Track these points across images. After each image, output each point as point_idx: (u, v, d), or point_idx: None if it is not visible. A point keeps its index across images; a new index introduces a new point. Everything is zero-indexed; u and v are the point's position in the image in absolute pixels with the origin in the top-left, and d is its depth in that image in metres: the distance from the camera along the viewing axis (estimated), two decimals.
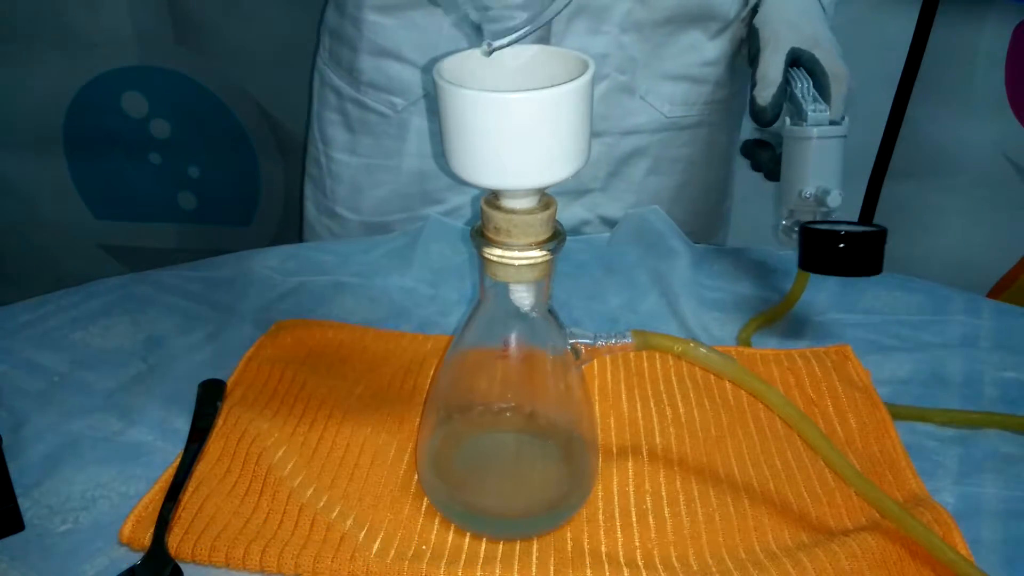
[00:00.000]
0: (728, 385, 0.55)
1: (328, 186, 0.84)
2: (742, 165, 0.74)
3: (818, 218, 0.57)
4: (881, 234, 0.51)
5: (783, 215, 0.60)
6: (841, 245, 0.51)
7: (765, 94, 0.62)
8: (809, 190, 0.57)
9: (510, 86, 0.35)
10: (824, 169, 0.58)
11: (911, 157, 1.23)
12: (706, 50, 0.75)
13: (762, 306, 0.66)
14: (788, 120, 0.60)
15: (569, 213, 0.81)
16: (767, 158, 0.65)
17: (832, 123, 0.58)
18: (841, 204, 0.57)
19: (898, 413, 0.53)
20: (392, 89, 0.77)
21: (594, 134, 0.80)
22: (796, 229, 0.55)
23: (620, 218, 0.79)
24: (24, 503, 0.44)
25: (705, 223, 0.86)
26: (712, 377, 0.56)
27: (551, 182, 0.37)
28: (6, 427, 0.50)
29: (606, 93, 0.74)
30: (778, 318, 0.65)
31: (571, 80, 0.35)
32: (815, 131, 0.57)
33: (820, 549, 0.41)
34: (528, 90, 0.34)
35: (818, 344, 0.61)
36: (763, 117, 0.62)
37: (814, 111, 0.58)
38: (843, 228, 0.52)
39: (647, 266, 0.72)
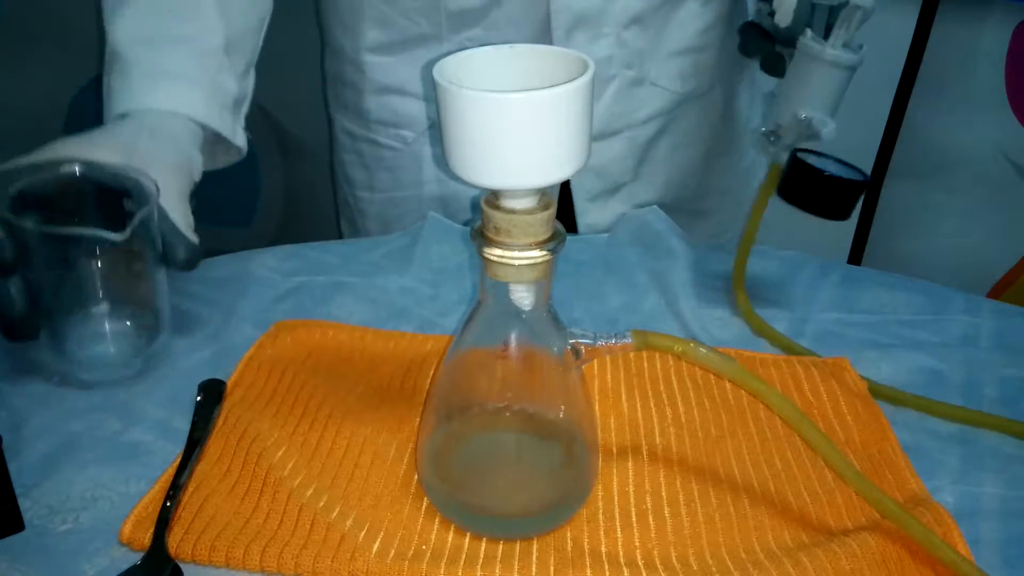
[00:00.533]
0: (728, 385, 0.55)
1: (359, 222, 0.88)
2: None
3: (803, 143, 0.57)
4: (862, 185, 0.52)
5: (768, 125, 0.59)
6: (823, 187, 0.52)
7: (785, 10, 0.59)
8: (806, 113, 0.56)
9: (510, 86, 0.35)
10: (827, 96, 0.56)
11: (911, 157, 1.23)
12: (705, 15, 0.75)
13: (763, 305, 0.66)
14: (809, 32, 0.57)
15: (608, 211, 0.82)
16: (763, 53, 0.63)
17: (847, 50, 0.56)
18: (834, 138, 0.56)
19: (897, 398, 0.54)
20: (400, 123, 0.79)
21: (614, 132, 0.78)
22: (773, 140, 0.55)
23: (659, 201, 0.80)
24: (24, 503, 0.44)
25: (739, 178, 0.87)
26: (712, 377, 0.56)
27: (551, 182, 0.37)
28: (6, 427, 0.50)
29: (617, 91, 0.75)
30: (747, 251, 0.65)
31: (571, 80, 0.35)
32: (830, 54, 0.55)
33: (820, 549, 0.41)
34: (528, 90, 0.34)
35: (818, 344, 0.61)
36: (785, 35, 0.60)
37: (836, 36, 0.56)
38: (831, 166, 0.52)
39: (647, 266, 0.72)
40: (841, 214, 0.53)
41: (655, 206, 0.77)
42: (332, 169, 0.91)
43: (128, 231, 0.47)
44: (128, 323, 0.57)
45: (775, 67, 0.62)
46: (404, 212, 0.83)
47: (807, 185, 0.53)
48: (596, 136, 0.79)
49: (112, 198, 0.52)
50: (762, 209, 0.64)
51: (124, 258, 0.52)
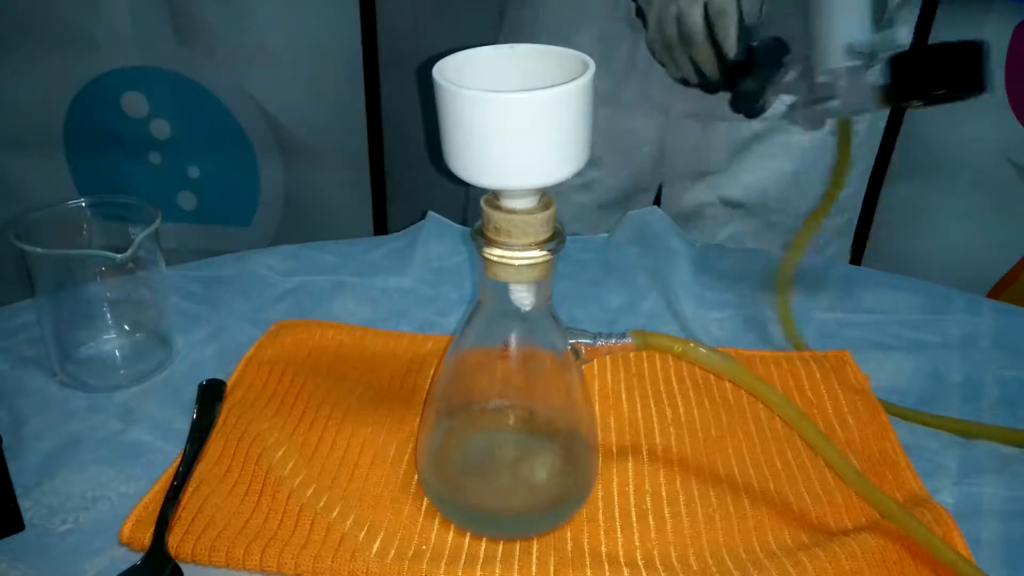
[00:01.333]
0: (728, 385, 0.55)
1: None
2: None
3: (845, 86, 0.53)
4: (979, 45, 0.46)
5: (807, 91, 0.56)
6: (946, 56, 0.46)
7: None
8: (861, 36, 0.51)
9: (510, 86, 0.35)
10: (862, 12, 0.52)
11: (911, 157, 1.22)
12: None
13: (761, 307, 0.66)
14: None
15: (691, 196, 0.82)
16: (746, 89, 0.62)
17: None
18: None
19: (896, 413, 0.53)
20: None
21: (719, 117, 0.79)
22: (814, 104, 0.53)
23: (742, 199, 0.81)
24: (24, 503, 0.44)
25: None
26: (712, 377, 0.56)
27: (551, 182, 0.37)
28: (6, 427, 0.50)
29: None
30: (824, 213, 0.63)
31: (571, 80, 0.35)
32: None
33: (820, 549, 0.41)
34: (528, 90, 0.34)
35: (818, 345, 0.61)
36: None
37: None
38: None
39: (647, 266, 0.72)
40: (978, 82, 0.47)
41: (655, 206, 0.77)
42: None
43: (130, 252, 0.50)
44: (137, 336, 0.59)
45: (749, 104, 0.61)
46: None
47: (929, 65, 0.48)
48: (700, 115, 0.79)
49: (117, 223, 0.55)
50: (835, 196, 0.62)
51: (130, 278, 0.56)
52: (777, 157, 0.81)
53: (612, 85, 0.80)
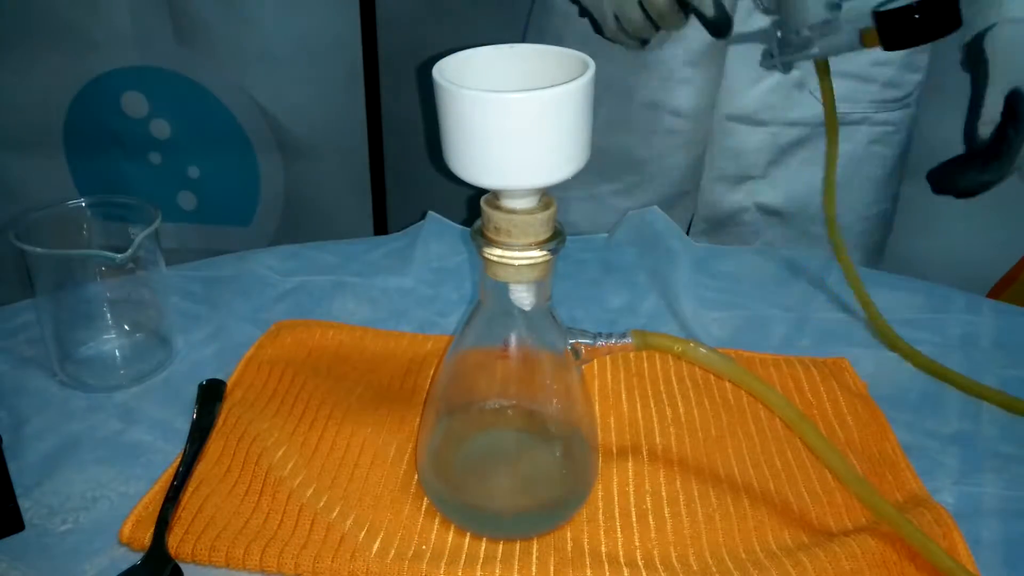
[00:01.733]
0: (728, 385, 0.55)
1: None
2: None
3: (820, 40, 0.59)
4: None
5: (777, 44, 0.62)
6: (917, 15, 0.53)
7: (986, 129, 0.62)
8: None
9: (510, 86, 0.35)
10: None
11: (911, 157, 1.23)
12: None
13: (762, 307, 0.66)
14: None
15: (728, 200, 0.82)
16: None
17: None
18: None
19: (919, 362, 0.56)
20: None
21: (759, 123, 0.80)
22: (785, 55, 0.59)
23: (778, 207, 0.81)
24: (24, 503, 0.44)
25: (859, 223, 0.86)
26: (712, 377, 0.56)
27: (551, 182, 0.37)
28: (6, 427, 0.50)
29: (776, 85, 0.77)
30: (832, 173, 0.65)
31: (571, 80, 0.35)
32: None
33: (820, 549, 0.41)
34: (528, 90, 0.34)
35: (818, 345, 0.61)
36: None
37: None
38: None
39: (647, 266, 0.72)
40: (956, 21, 0.54)
41: (655, 206, 0.77)
42: None
43: (130, 252, 0.50)
44: (137, 336, 0.59)
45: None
46: None
47: (908, 20, 0.54)
48: (742, 119, 0.80)
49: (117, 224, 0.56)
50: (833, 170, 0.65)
51: (130, 278, 0.56)
52: (818, 163, 0.80)
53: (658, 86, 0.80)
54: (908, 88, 0.81)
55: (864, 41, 0.58)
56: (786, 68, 0.66)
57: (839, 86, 0.74)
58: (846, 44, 0.59)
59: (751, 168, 0.82)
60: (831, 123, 0.64)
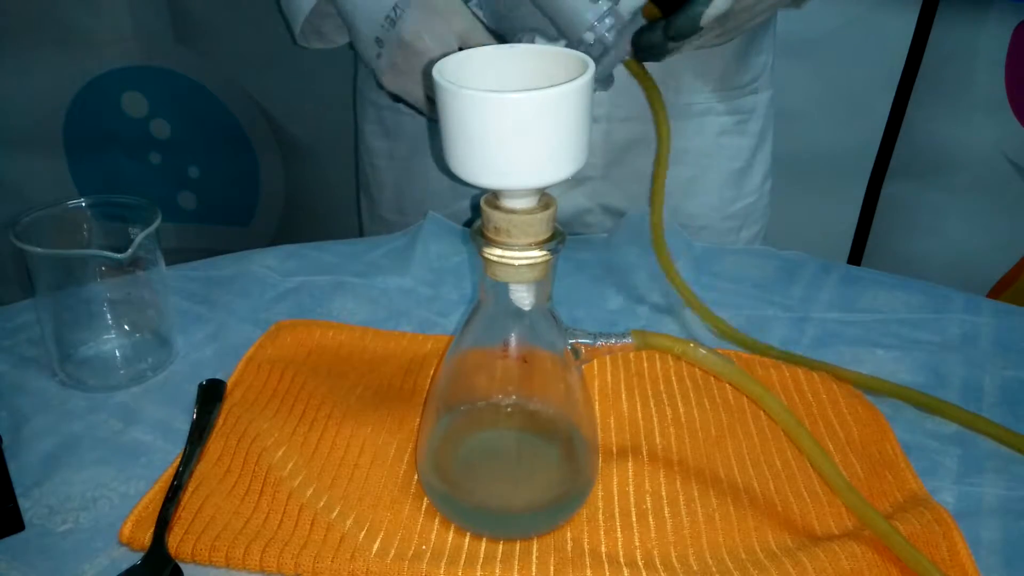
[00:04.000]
0: (728, 385, 0.55)
1: (375, 194, 0.89)
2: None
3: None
4: None
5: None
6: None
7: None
8: None
9: (510, 86, 0.35)
10: None
11: (911, 157, 1.22)
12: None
13: (762, 307, 0.66)
14: None
15: (569, 202, 0.80)
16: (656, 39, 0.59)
17: None
18: None
19: (902, 395, 0.54)
20: None
21: (592, 119, 0.80)
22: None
23: (624, 208, 0.78)
24: (24, 503, 0.44)
25: (724, 221, 0.83)
26: (712, 377, 0.56)
27: (551, 182, 0.37)
28: (6, 427, 0.50)
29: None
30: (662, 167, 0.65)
31: (570, 80, 0.35)
32: None
33: (820, 549, 0.41)
34: (528, 90, 0.34)
35: (818, 344, 0.61)
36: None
37: None
38: None
39: (647, 266, 0.72)
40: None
41: None
42: (356, 146, 0.91)
43: (130, 252, 0.50)
44: (137, 336, 0.59)
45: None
46: (414, 181, 0.83)
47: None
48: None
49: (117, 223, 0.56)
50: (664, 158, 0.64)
51: (130, 278, 0.56)
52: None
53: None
54: (755, 71, 0.77)
55: (645, 13, 0.57)
56: (605, 85, 0.63)
57: (675, 79, 0.73)
58: (632, 37, 0.58)
59: (587, 168, 0.75)
60: (660, 120, 0.63)
